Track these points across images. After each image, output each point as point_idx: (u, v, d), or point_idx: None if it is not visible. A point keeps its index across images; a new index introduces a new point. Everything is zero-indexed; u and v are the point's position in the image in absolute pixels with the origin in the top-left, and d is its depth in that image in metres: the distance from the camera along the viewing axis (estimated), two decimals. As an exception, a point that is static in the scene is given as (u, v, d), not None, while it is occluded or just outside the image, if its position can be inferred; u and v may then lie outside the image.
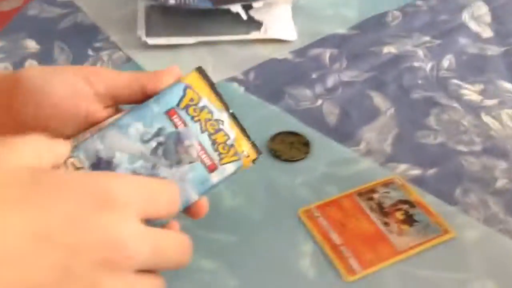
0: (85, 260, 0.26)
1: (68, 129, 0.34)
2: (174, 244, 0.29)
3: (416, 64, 0.58)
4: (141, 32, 0.60)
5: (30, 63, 0.58)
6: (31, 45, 0.60)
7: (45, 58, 0.58)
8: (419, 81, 0.56)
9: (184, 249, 0.29)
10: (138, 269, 0.27)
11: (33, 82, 0.33)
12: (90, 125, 0.34)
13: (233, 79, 0.57)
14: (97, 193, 0.26)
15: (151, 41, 0.60)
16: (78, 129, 0.34)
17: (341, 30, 0.64)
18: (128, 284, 0.27)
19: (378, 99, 0.55)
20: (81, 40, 0.61)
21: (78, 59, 0.58)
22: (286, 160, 0.48)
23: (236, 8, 0.61)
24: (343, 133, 0.50)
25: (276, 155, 0.48)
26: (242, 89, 0.56)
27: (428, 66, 0.58)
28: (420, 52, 0.60)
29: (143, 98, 0.34)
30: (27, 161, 0.28)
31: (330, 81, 0.56)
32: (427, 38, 0.62)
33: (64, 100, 0.33)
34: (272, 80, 0.57)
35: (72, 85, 0.33)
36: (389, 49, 0.60)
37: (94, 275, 0.26)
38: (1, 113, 0.34)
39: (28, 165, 0.28)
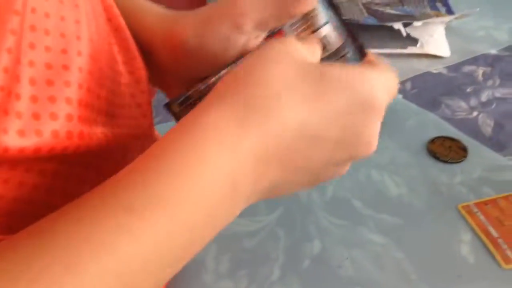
0: (345, 153, 0.31)
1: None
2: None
3: None
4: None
5: None
6: None
7: None
8: None
9: None
10: None
11: (190, 44, 0.36)
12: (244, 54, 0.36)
13: (391, 87, 0.64)
14: (365, 97, 0.30)
15: (319, 49, 0.69)
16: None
17: (493, 51, 0.68)
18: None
19: (532, 116, 0.59)
20: None
21: None
22: (445, 161, 0.53)
23: (398, 25, 0.68)
24: (498, 143, 0.55)
25: (435, 156, 0.54)
26: (400, 96, 0.62)
27: None
28: None
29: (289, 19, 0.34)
30: (305, 55, 0.31)
31: (484, 96, 0.61)
32: None
33: (220, 52, 0.36)
34: (428, 90, 0.63)
35: (225, 39, 0.35)
36: (541, 72, 0.64)
37: (345, 165, 0.32)
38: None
39: (308, 60, 0.31)
